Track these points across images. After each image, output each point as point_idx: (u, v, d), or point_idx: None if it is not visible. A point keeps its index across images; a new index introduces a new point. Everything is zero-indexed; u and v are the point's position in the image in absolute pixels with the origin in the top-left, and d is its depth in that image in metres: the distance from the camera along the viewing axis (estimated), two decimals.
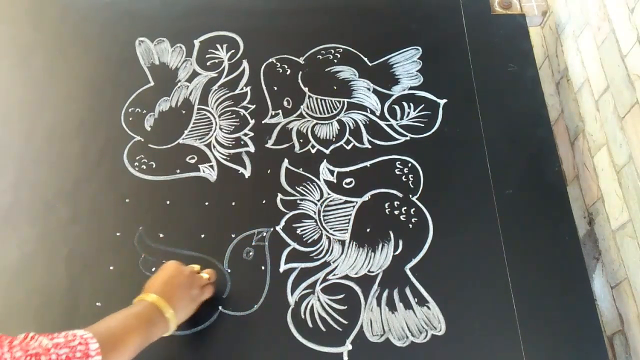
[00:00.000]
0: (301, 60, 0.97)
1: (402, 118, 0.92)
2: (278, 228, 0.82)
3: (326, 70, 0.96)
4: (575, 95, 0.96)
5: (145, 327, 0.61)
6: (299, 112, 0.92)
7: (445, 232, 0.82)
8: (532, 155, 0.88)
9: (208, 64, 0.96)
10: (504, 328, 0.76)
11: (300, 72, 0.96)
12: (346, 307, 0.77)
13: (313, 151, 0.89)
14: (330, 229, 0.82)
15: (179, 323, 0.67)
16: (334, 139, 0.90)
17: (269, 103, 0.93)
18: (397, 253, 0.81)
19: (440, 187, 0.86)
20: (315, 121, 0.91)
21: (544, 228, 0.83)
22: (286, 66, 0.96)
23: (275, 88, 0.94)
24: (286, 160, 0.88)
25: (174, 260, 0.71)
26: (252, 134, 0.90)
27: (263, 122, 0.91)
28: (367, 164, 0.88)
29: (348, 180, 0.86)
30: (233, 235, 0.81)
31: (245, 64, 0.96)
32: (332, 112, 0.92)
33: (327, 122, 0.91)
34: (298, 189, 0.85)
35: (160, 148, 0.89)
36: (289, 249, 0.81)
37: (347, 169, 0.87)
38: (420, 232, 0.82)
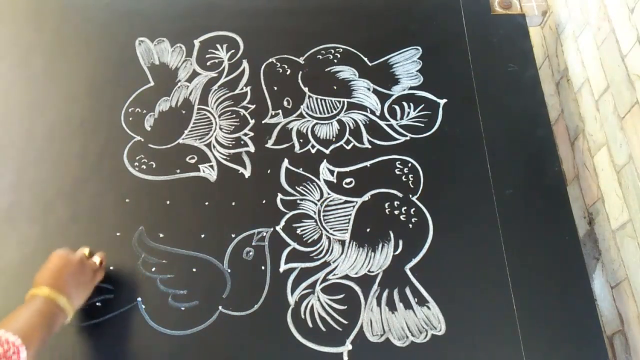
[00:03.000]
0: (301, 60, 0.97)
1: (402, 118, 0.92)
2: (278, 228, 0.82)
3: (326, 70, 0.96)
4: (575, 95, 0.96)
5: (48, 323, 0.63)
6: (299, 112, 0.92)
7: (445, 232, 0.82)
8: (532, 155, 0.88)
9: (208, 64, 0.96)
10: (504, 328, 0.76)
11: (300, 72, 0.96)
12: (346, 307, 0.77)
13: (313, 151, 0.89)
14: (330, 229, 0.82)
15: (75, 309, 0.68)
16: (334, 139, 0.90)
17: (269, 103, 0.93)
18: (397, 253, 0.81)
19: (440, 187, 0.86)
20: (315, 121, 0.91)
21: (544, 228, 0.83)
22: (286, 66, 0.96)
23: (275, 88, 0.94)
24: (286, 160, 0.88)
25: (61, 249, 0.72)
26: (252, 134, 0.90)
27: (263, 122, 0.91)
28: (367, 164, 0.88)
29: (348, 180, 0.86)
30: (233, 235, 0.81)
31: (245, 64, 0.96)
32: (332, 112, 0.92)
33: (327, 122, 0.91)
34: (298, 189, 0.85)
35: (160, 148, 0.89)
36: (289, 249, 0.81)
37: (347, 169, 0.87)
38: (420, 232, 0.82)
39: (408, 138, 0.90)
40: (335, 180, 0.86)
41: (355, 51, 0.98)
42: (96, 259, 0.75)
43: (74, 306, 0.68)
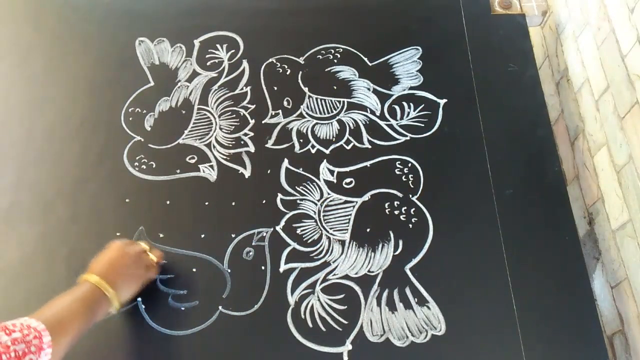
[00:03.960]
0: (301, 60, 0.97)
1: (402, 118, 0.92)
2: (278, 228, 0.82)
3: (326, 70, 0.96)
4: (575, 95, 0.96)
5: (90, 310, 0.63)
6: (299, 112, 0.92)
7: (445, 232, 0.82)
8: (532, 155, 0.88)
9: (208, 64, 0.96)
10: (504, 328, 0.76)
11: (300, 72, 0.96)
12: (346, 307, 0.77)
13: (313, 151, 0.89)
14: (330, 229, 0.82)
15: (122, 302, 0.69)
16: (334, 139, 0.90)
17: (269, 103, 0.93)
18: (397, 253, 0.81)
19: (440, 187, 0.86)
20: (315, 121, 0.91)
21: (544, 228, 0.83)
22: (286, 66, 0.96)
23: (275, 88, 0.94)
24: (286, 160, 0.88)
25: (120, 240, 0.72)
26: (252, 134, 0.90)
27: (263, 122, 0.91)
28: (367, 164, 0.88)
29: (348, 180, 0.86)
30: (233, 235, 0.81)
31: (245, 64, 0.96)
32: (332, 112, 0.92)
33: (327, 122, 0.91)
34: (298, 189, 0.85)
35: (160, 148, 0.89)
36: (289, 249, 0.81)
37: (347, 169, 0.87)
38: (420, 232, 0.82)
39: (408, 138, 0.90)
40: (335, 180, 0.86)
41: (355, 51, 0.98)
42: (153, 256, 0.75)
43: (121, 299, 0.68)
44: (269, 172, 0.87)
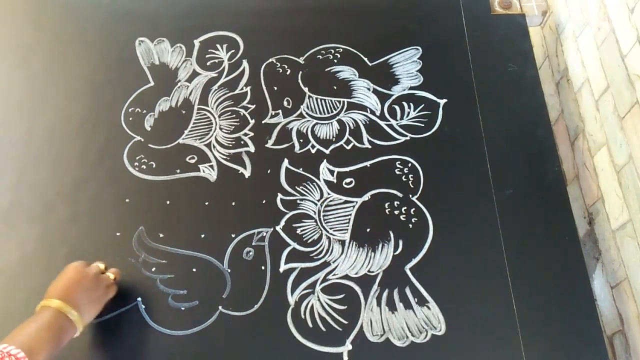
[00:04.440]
0: (301, 60, 0.97)
1: (402, 118, 0.92)
2: (278, 228, 0.82)
3: (326, 70, 0.96)
4: (575, 95, 0.96)
5: (56, 336, 0.63)
6: (299, 112, 0.92)
7: (445, 232, 0.82)
8: (532, 155, 0.88)
9: (208, 64, 0.96)
10: (504, 328, 0.76)
11: (300, 72, 0.96)
12: (346, 307, 0.77)
13: (313, 151, 0.89)
14: (330, 229, 0.82)
15: (85, 324, 0.68)
16: (334, 139, 0.90)
17: (269, 103, 0.93)
18: (397, 253, 0.81)
19: (440, 187, 0.86)
20: (315, 121, 0.91)
21: (544, 228, 0.83)
22: (286, 66, 0.96)
23: (275, 88, 0.94)
24: (286, 160, 0.88)
25: (76, 262, 0.71)
26: (252, 134, 0.90)
27: (263, 122, 0.91)
28: (367, 164, 0.88)
29: (348, 180, 0.86)
30: (233, 235, 0.81)
31: (245, 64, 0.96)
32: (332, 112, 0.92)
33: (327, 122, 0.91)
34: (298, 189, 0.85)
35: (160, 148, 0.89)
36: (289, 249, 0.81)
37: (347, 169, 0.87)
38: (420, 232, 0.82)
39: (408, 138, 0.90)
40: (335, 180, 0.86)
41: (355, 51, 0.98)
42: (110, 275, 0.74)
43: (85, 321, 0.67)
44: (269, 172, 0.87)
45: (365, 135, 0.90)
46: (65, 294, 0.66)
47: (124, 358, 0.74)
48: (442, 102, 0.93)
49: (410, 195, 0.85)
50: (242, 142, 0.89)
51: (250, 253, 0.80)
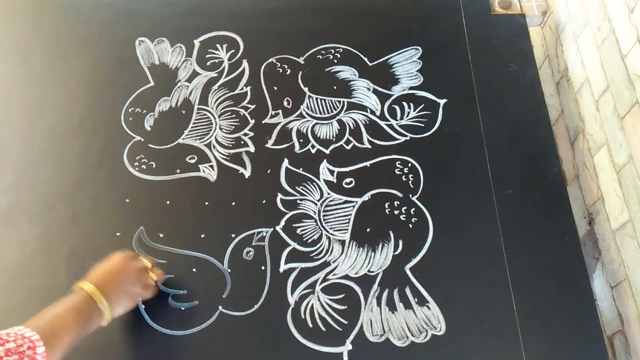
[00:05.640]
0: (301, 60, 0.97)
1: (402, 118, 0.92)
2: (278, 228, 0.82)
3: (326, 70, 0.96)
4: (575, 95, 0.96)
5: (82, 321, 0.62)
6: (299, 112, 0.92)
7: (445, 232, 0.82)
8: (532, 155, 0.88)
9: (208, 64, 0.96)
10: (504, 328, 0.76)
11: (300, 72, 0.96)
12: (346, 307, 0.77)
13: (313, 151, 0.89)
14: (330, 228, 0.82)
15: (114, 317, 0.67)
16: (334, 139, 0.90)
17: (269, 103, 0.93)
18: (397, 253, 0.81)
19: (440, 187, 0.86)
20: (315, 121, 0.91)
21: (544, 228, 0.83)
22: (286, 66, 0.96)
23: (275, 88, 0.94)
24: (286, 160, 0.88)
25: (125, 253, 0.71)
26: (252, 134, 0.90)
27: (263, 122, 0.91)
28: (367, 164, 0.88)
29: (348, 180, 0.86)
30: (233, 235, 0.81)
31: (245, 64, 0.96)
32: (332, 112, 0.92)
33: (327, 122, 0.91)
34: (298, 189, 0.85)
35: (160, 148, 0.89)
36: (289, 249, 0.81)
37: (347, 169, 0.87)
38: (420, 232, 0.82)
39: (408, 138, 0.90)
40: (335, 180, 0.86)
41: (355, 51, 0.98)
42: (153, 276, 0.73)
43: (114, 313, 0.67)
44: (269, 172, 0.87)
45: (365, 135, 0.90)
46: (101, 281, 0.66)
47: (124, 358, 0.74)
48: (442, 102, 0.93)
49: (410, 195, 0.85)
50: (242, 142, 0.89)
51: (250, 253, 0.80)
